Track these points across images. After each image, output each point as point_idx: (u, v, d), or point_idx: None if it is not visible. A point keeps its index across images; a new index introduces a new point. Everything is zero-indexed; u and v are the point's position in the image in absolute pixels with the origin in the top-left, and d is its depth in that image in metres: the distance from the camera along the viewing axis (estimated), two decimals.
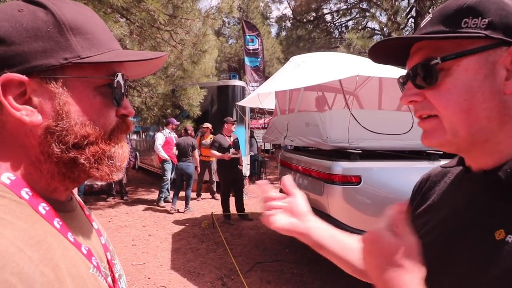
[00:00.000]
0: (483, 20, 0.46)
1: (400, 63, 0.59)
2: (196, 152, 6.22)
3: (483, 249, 0.48)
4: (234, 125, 5.79)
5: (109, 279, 0.52)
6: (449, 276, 0.51)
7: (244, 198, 5.90)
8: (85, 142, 0.47)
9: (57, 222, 0.45)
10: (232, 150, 5.51)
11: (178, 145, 6.09)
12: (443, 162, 0.74)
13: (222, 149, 5.48)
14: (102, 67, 0.48)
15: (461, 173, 0.62)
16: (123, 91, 0.51)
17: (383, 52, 0.58)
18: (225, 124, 5.70)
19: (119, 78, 0.50)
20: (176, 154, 6.17)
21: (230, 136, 5.73)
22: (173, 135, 6.73)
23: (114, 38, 0.52)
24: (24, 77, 0.43)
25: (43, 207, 0.44)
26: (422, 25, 0.54)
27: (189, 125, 6.46)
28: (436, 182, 0.67)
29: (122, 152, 0.51)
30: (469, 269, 0.49)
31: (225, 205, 5.59)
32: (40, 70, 0.44)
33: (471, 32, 0.47)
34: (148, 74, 0.63)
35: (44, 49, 0.43)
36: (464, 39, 0.47)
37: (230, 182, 5.60)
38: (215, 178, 7.18)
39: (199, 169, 6.37)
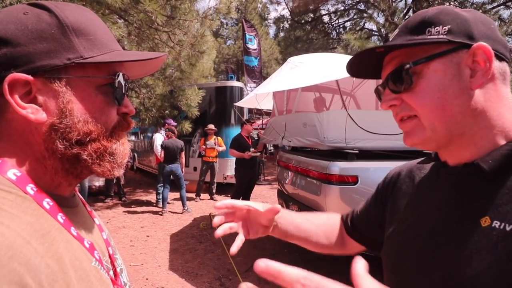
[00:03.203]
0: (444, 27, 0.53)
1: (374, 76, 0.66)
2: (183, 154, 6.23)
3: (471, 237, 0.50)
4: (253, 126, 6.01)
5: (111, 272, 0.53)
6: (441, 268, 0.53)
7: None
8: (88, 139, 0.48)
9: (60, 217, 0.46)
10: (251, 149, 5.57)
11: (167, 148, 6.00)
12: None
13: (242, 148, 5.54)
14: (103, 67, 0.50)
15: (435, 168, 0.65)
16: (124, 91, 0.53)
17: (359, 68, 0.65)
18: (244, 124, 5.87)
19: (120, 77, 0.52)
20: (163, 156, 6.11)
21: (249, 136, 5.81)
22: None
23: (115, 39, 0.54)
24: (29, 77, 0.44)
25: (47, 202, 0.46)
26: (391, 38, 0.59)
27: (172, 126, 6.38)
28: (410, 178, 0.71)
29: (123, 149, 0.53)
30: (460, 257, 0.50)
31: None
32: (45, 70, 0.45)
33: (435, 38, 0.53)
34: (148, 74, 0.65)
35: (49, 50, 0.45)
36: (431, 45, 0.54)
37: (246, 182, 5.61)
38: (217, 179, 7.24)
39: (183, 169, 6.36)
